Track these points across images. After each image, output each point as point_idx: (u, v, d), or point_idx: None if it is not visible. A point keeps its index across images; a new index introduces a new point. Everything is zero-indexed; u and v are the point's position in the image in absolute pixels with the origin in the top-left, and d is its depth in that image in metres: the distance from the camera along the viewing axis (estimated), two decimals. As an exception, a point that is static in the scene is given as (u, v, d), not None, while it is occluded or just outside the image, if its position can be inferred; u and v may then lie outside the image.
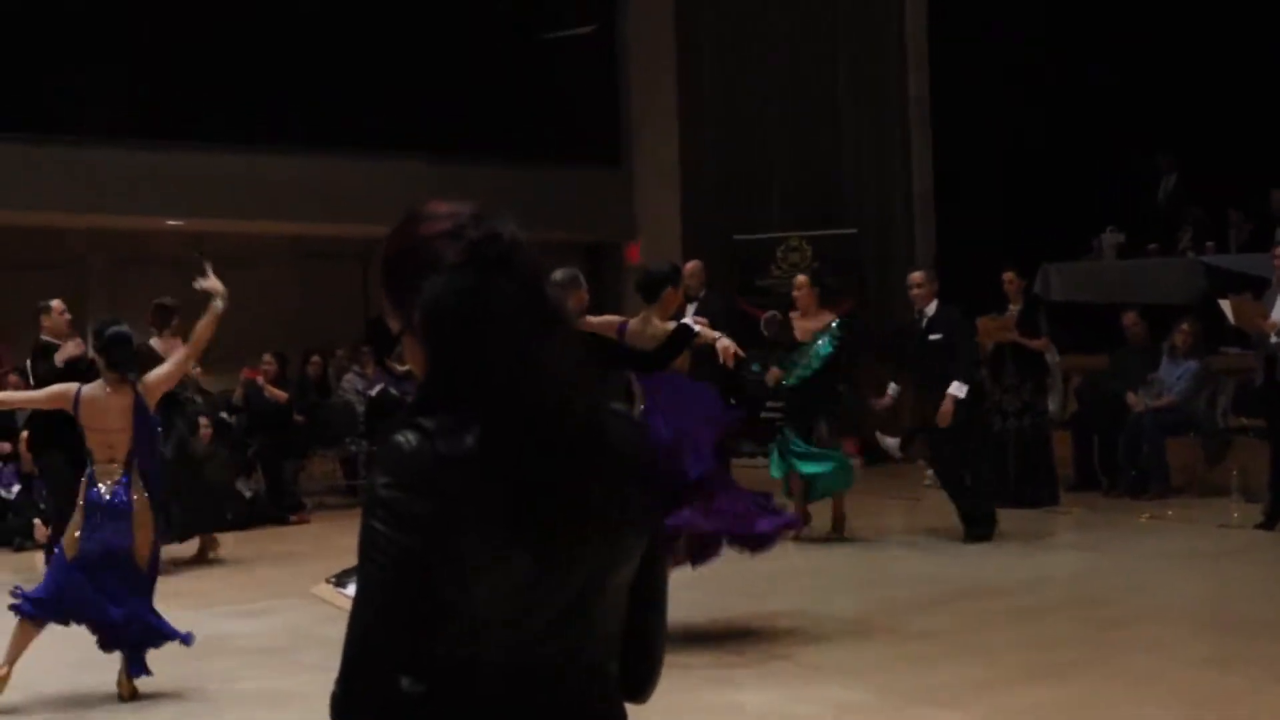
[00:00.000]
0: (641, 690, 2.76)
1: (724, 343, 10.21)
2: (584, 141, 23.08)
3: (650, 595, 2.70)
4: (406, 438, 2.48)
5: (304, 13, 20.94)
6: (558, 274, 10.42)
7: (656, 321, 10.28)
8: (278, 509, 17.51)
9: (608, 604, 2.60)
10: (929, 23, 21.82)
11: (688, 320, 10.40)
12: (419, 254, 2.60)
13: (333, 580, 3.11)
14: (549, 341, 2.54)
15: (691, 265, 17.35)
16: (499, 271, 2.53)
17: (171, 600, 12.34)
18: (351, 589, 3.01)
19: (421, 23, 21.56)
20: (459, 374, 2.51)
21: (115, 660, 9.36)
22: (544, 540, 2.47)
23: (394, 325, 2.70)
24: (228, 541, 16.20)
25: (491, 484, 2.45)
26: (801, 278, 15.69)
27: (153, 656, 9.34)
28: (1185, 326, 16.84)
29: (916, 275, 14.95)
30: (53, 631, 9.29)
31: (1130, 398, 16.83)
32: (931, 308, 14.44)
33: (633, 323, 10.36)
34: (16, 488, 16.31)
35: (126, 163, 19.92)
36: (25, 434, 16.43)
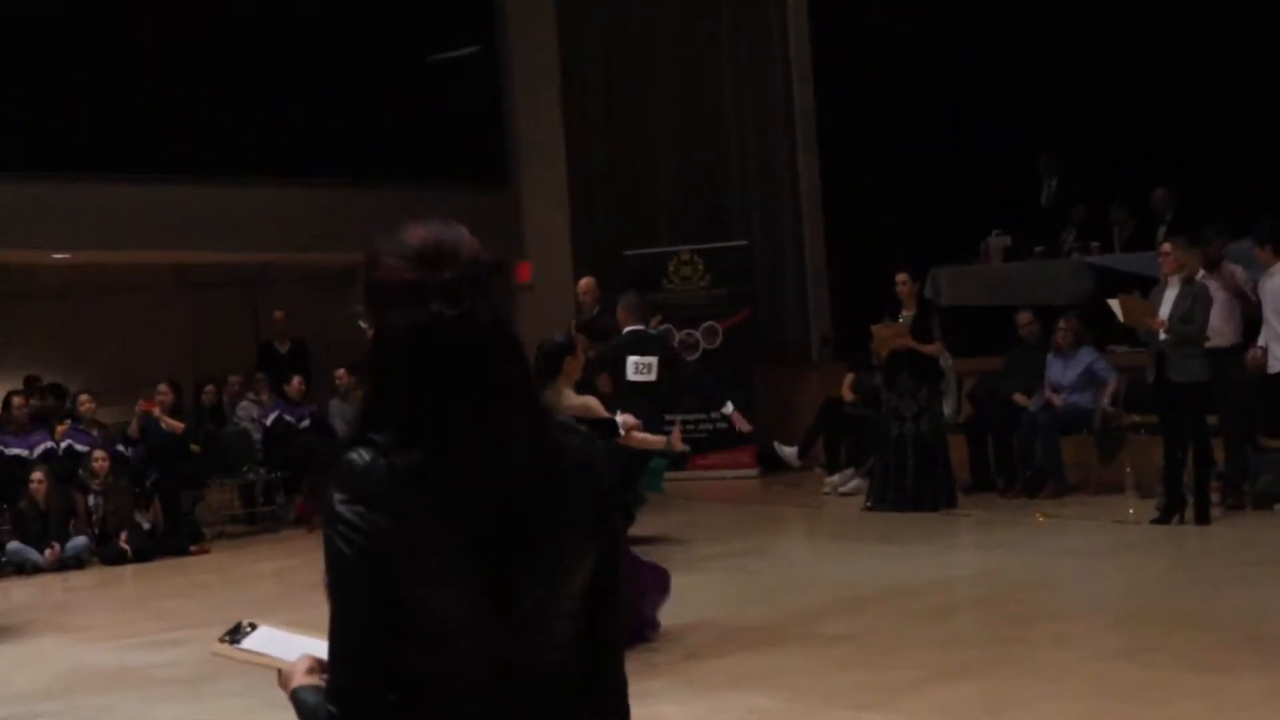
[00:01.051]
0: (614, 705, 2.81)
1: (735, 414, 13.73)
2: (471, 161, 23.06)
3: (605, 600, 2.74)
4: (360, 454, 2.54)
5: (187, 39, 20.78)
6: (630, 296, 11.07)
7: (569, 394, 10.24)
8: (177, 540, 17.36)
9: (565, 610, 2.66)
10: (812, 33, 21.98)
11: (616, 418, 10.53)
12: (377, 282, 2.66)
13: (226, 639, 3.11)
14: (495, 363, 2.61)
15: (585, 282, 17.44)
16: (447, 300, 2.59)
17: (80, 634, 12.30)
18: (245, 642, 3.03)
19: (308, 46, 21.46)
20: (409, 392, 2.58)
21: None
22: (496, 550, 2.54)
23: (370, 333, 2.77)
24: (127, 574, 16.11)
25: (444, 497, 2.51)
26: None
27: (70, 688, 9.24)
28: (1062, 324, 17.07)
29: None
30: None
31: (1019, 397, 17.01)
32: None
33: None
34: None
35: (11, 195, 19.68)
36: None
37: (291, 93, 21.30)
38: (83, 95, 20.10)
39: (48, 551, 16.39)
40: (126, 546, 16.69)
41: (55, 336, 22.53)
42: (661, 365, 13.67)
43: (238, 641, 3.03)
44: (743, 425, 14.33)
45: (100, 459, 17.00)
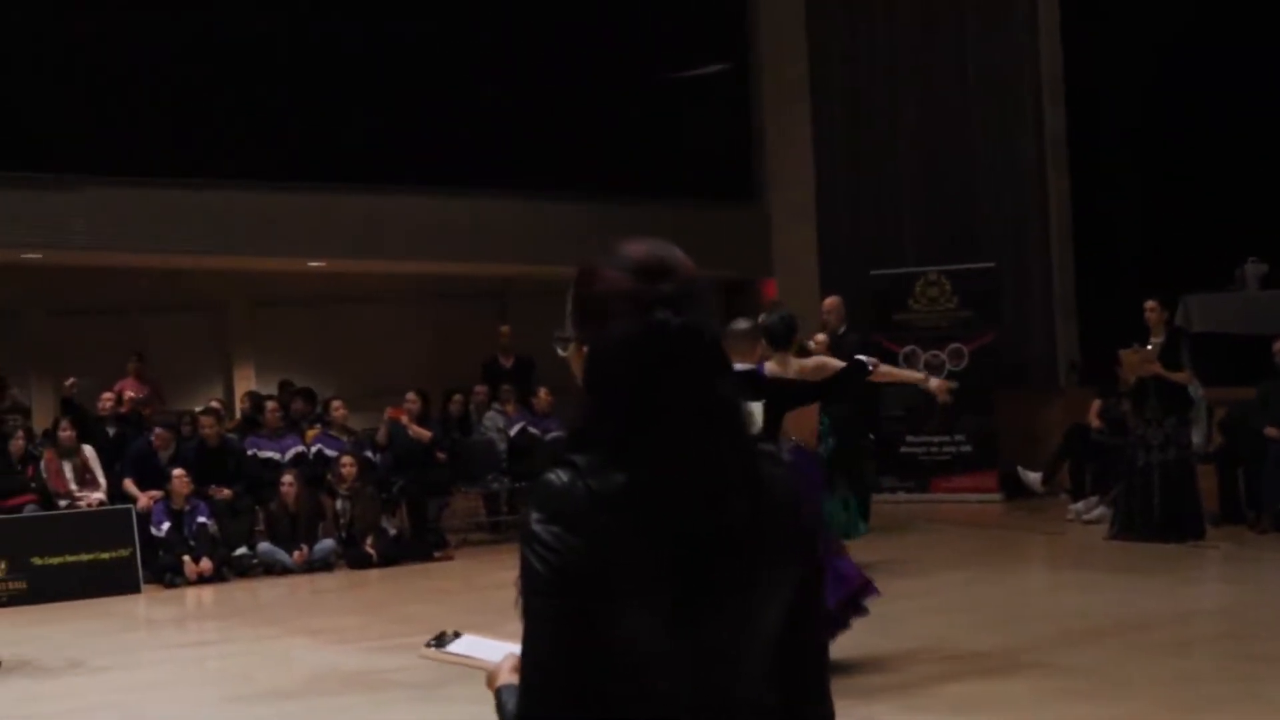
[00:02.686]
0: None
1: (937, 382, 11.24)
2: (720, 178, 23.17)
3: (805, 635, 2.72)
4: (558, 474, 2.55)
5: (436, 52, 21.18)
6: (740, 324, 10.38)
7: (795, 361, 10.27)
8: (422, 546, 17.69)
9: (760, 643, 2.63)
10: (1064, 51, 21.73)
11: (862, 357, 10.31)
12: (595, 294, 2.67)
13: (432, 644, 3.18)
14: (704, 386, 2.60)
15: (831, 301, 17.39)
16: (663, 319, 2.58)
17: (319, 636, 12.59)
18: (451, 647, 3.10)
19: (557, 63, 21.73)
20: (614, 415, 2.57)
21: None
22: (697, 578, 2.53)
23: (575, 366, 2.78)
24: (372, 578, 16.46)
25: (643, 521, 2.51)
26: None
27: (311, 689, 9.46)
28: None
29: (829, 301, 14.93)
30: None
31: (1270, 430, 16.58)
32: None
33: (769, 365, 10.26)
34: (166, 525, 16.60)
35: (264, 205, 20.21)
36: (179, 472, 16.77)
37: (541, 107, 21.58)
38: (339, 108, 20.62)
39: (296, 553, 16.81)
40: (372, 551, 17.05)
41: (308, 343, 23.07)
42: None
43: (443, 646, 3.10)
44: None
45: (349, 464, 17.38)
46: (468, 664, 3.01)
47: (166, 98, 19.56)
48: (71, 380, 18.51)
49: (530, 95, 21.55)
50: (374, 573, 16.78)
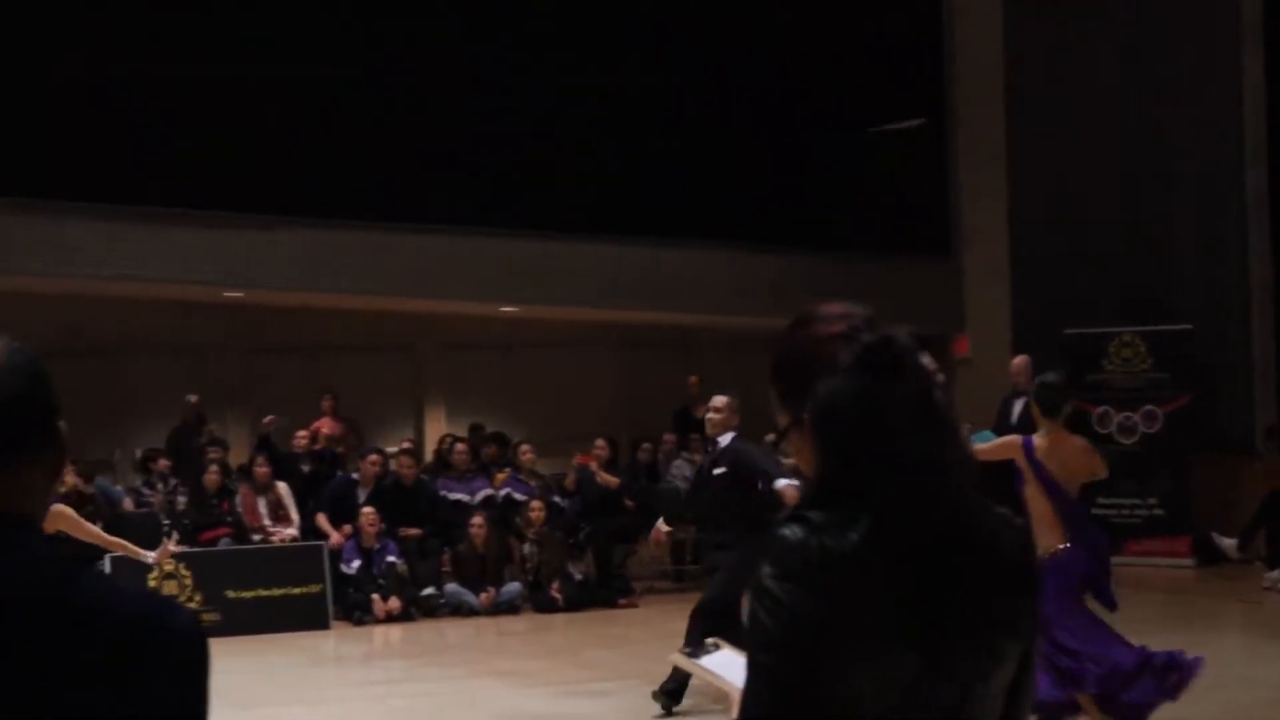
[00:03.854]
0: None
1: None
2: (914, 233, 23.05)
3: (1020, 703, 2.67)
4: (792, 530, 2.52)
5: (628, 103, 21.34)
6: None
7: (1069, 437, 9.42)
8: (606, 592, 17.75)
9: (987, 710, 2.59)
10: (1268, 117, 21.39)
11: None
12: (811, 354, 2.66)
13: (685, 651, 3.18)
14: (938, 445, 2.56)
15: (1019, 361, 17.22)
16: (891, 375, 2.56)
17: (504, 678, 12.67)
18: (705, 660, 3.11)
19: (750, 113, 21.79)
20: (848, 473, 2.54)
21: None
22: (929, 641, 2.49)
23: (782, 420, 2.77)
24: (557, 622, 16.53)
25: (876, 582, 2.48)
26: None
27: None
28: None
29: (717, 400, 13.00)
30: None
31: None
32: (725, 438, 12.48)
33: (1039, 440, 9.43)
34: (357, 563, 16.82)
35: (459, 248, 20.45)
36: (367, 511, 16.99)
37: (734, 158, 21.62)
38: (537, 155, 20.81)
39: (483, 595, 16.94)
40: (558, 595, 17.14)
41: (499, 387, 23.27)
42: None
43: (697, 657, 3.10)
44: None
45: (537, 509, 17.50)
46: (714, 682, 3.01)
47: (367, 141, 19.88)
48: (270, 418, 18.84)
49: (725, 147, 21.62)
50: (559, 617, 16.86)
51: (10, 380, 2.12)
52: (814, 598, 2.47)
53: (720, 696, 9.70)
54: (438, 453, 20.28)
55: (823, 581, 2.47)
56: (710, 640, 3.03)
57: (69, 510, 9.70)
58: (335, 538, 17.00)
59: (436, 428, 22.60)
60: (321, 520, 17.33)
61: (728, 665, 3.04)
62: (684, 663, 2.86)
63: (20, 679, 2.01)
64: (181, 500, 17.62)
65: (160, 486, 18.12)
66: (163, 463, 18.31)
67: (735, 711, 2.67)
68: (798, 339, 2.73)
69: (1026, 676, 2.67)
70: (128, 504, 17.84)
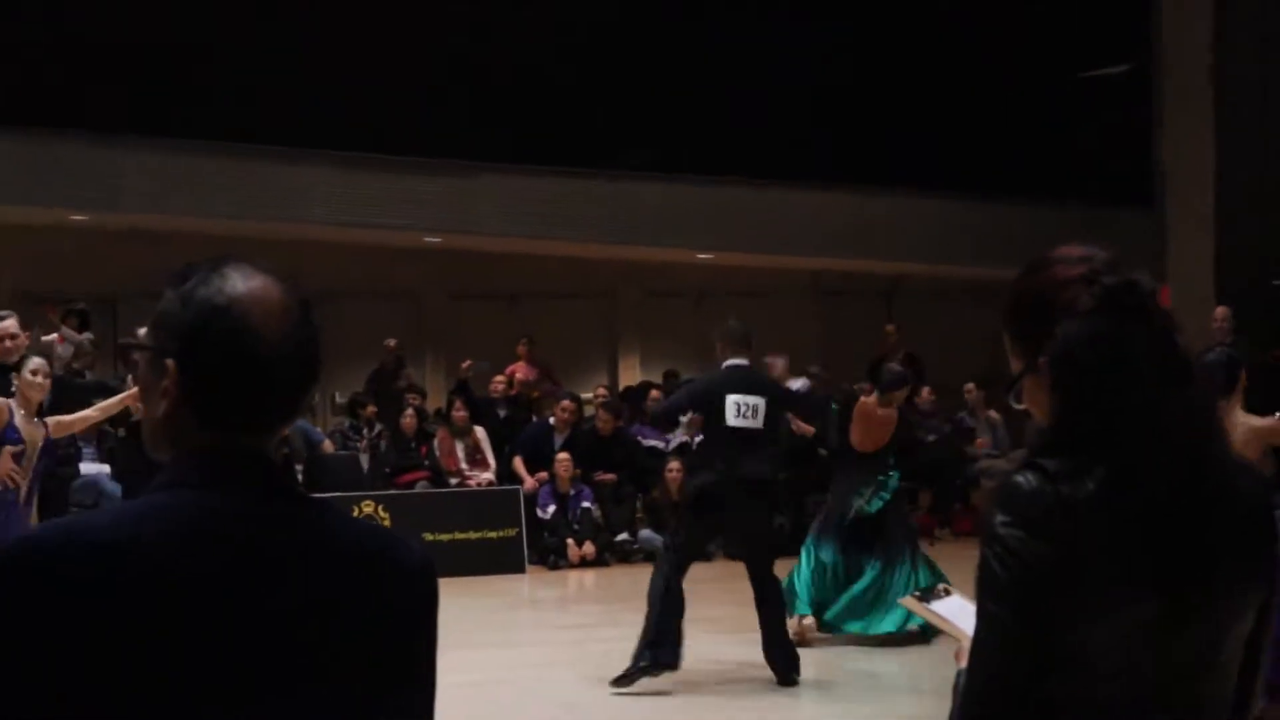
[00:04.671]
0: None
1: None
2: (1115, 181, 22.66)
3: (1253, 658, 2.61)
4: (1027, 478, 2.48)
5: (834, 52, 21.20)
6: (732, 324, 9.99)
7: (1242, 414, 8.48)
8: (801, 540, 17.66)
9: (1227, 661, 2.54)
10: None
11: None
12: (1051, 298, 2.60)
13: (916, 594, 3.14)
14: (1181, 391, 2.52)
15: (1220, 311, 16.82)
16: (1134, 319, 2.52)
17: (696, 625, 12.67)
18: (935, 605, 3.05)
19: (956, 61, 21.55)
20: (1088, 419, 2.50)
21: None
22: (1169, 589, 2.44)
23: (1015, 366, 2.72)
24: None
25: (1115, 529, 2.43)
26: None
27: (694, 679, 9.49)
28: None
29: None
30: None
31: None
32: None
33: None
34: (552, 508, 16.94)
35: (657, 196, 20.47)
36: (562, 456, 17.10)
37: (939, 105, 21.41)
38: (738, 103, 20.76)
39: (677, 541, 16.96)
40: (751, 543, 17.11)
41: (694, 335, 23.27)
42: (771, 410, 10.97)
43: (927, 601, 3.07)
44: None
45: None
46: (944, 627, 2.97)
47: (569, 90, 19.97)
48: (469, 362, 19.03)
49: (930, 94, 21.41)
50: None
51: (295, 338, 2.17)
52: (1047, 546, 2.44)
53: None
54: (624, 397, 20.32)
55: (1057, 530, 2.44)
56: (941, 585, 2.98)
57: (64, 417, 9.85)
58: (530, 482, 17.14)
59: (631, 375, 22.69)
60: (518, 464, 17.48)
61: (959, 612, 2.99)
62: (915, 606, 2.83)
63: (277, 614, 2.04)
64: (382, 444, 17.87)
65: (365, 432, 18.38)
66: (370, 409, 18.56)
67: (963, 661, 2.64)
68: (1035, 282, 2.67)
69: (1265, 628, 2.61)
70: (327, 446, 18.12)
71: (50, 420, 9.61)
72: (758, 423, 10.67)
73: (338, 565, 2.12)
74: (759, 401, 10.74)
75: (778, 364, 16.87)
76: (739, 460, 10.38)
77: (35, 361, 9.76)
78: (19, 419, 9.42)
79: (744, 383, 10.82)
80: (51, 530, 2.05)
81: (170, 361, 2.16)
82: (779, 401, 11.54)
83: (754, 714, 9.65)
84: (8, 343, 9.98)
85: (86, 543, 2.00)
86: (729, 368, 10.90)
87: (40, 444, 9.52)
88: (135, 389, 10.38)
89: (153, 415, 2.20)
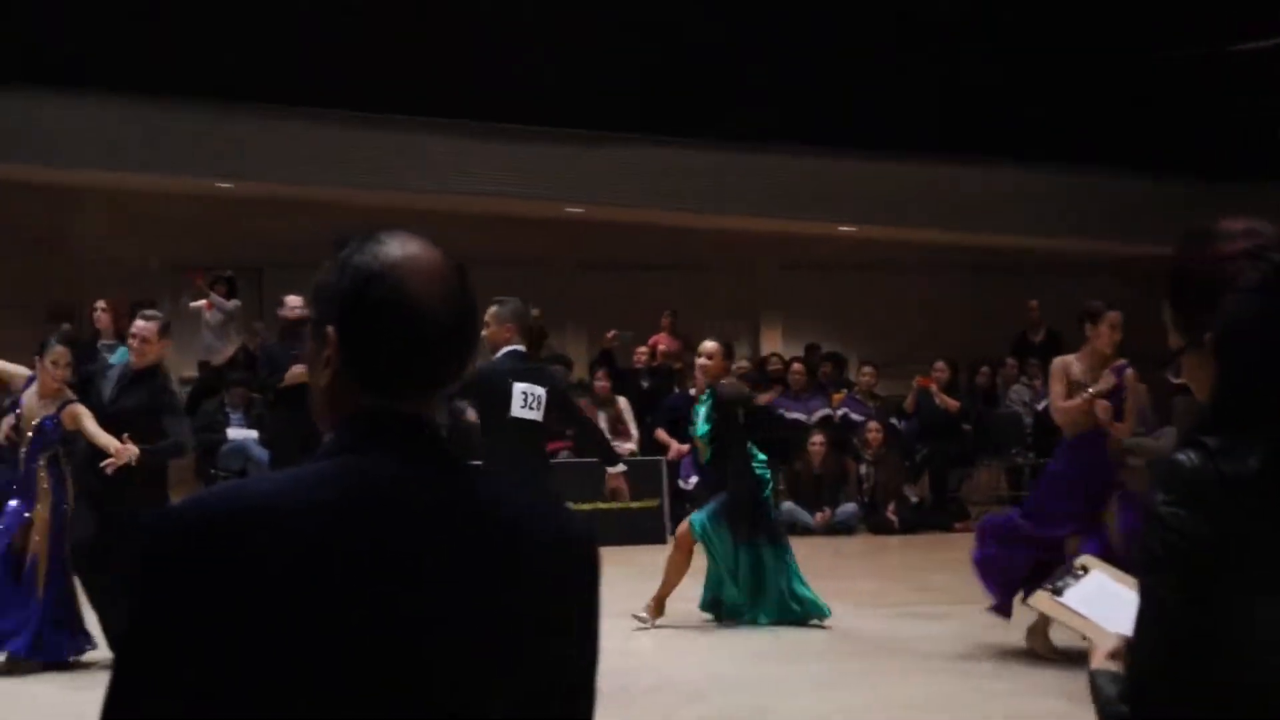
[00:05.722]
0: None
1: None
2: (1261, 157, 22.25)
3: None
4: (1188, 456, 2.42)
5: (980, 21, 21.00)
6: (511, 304, 9.63)
7: None
8: (942, 516, 17.60)
9: None
10: None
11: None
12: (1214, 273, 2.55)
13: (1049, 587, 3.04)
14: None
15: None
16: None
17: (840, 598, 12.62)
18: (1068, 594, 2.96)
19: (1102, 32, 21.27)
20: (1251, 396, 2.44)
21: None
22: None
23: (1174, 341, 2.67)
24: (892, 544, 16.46)
25: (1274, 508, 2.37)
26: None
27: (834, 651, 9.45)
28: None
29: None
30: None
31: None
32: None
33: None
34: (694, 479, 16.93)
35: (799, 168, 20.39)
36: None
37: (1083, 78, 21.16)
38: (881, 74, 20.62)
39: (819, 515, 16.95)
40: (894, 517, 17.07)
41: (836, 307, 23.19)
42: (551, 402, 10.00)
43: (1060, 592, 2.97)
44: (620, 495, 11.59)
45: (874, 430, 17.43)
46: (1074, 625, 2.89)
47: (713, 62, 19.95)
48: (613, 333, 19.06)
49: (1072, 67, 21.16)
50: (894, 539, 16.81)
51: (452, 303, 2.17)
52: (1209, 525, 2.38)
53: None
54: (760, 367, 20.24)
55: (1219, 508, 2.38)
56: (1079, 563, 2.84)
57: (83, 409, 9.96)
58: (675, 448, 17.16)
59: (773, 347, 22.63)
60: (661, 433, 17.48)
61: (1096, 594, 2.89)
62: (1043, 603, 2.65)
63: (437, 583, 2.04)
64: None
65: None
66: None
67: (1096, 661, 2.60)
68: (1197, 257, 2.62)
69: None
70: (470, 415, 18.16)
71: (69, 409, 9.88)
72: (538, 415, 9.88)
73: (502, 533, 2.11)
74: (542, 393, 9.91)
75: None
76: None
77: (57, 351, 10.10)
78: (28, 394, 9.98)
79: (527, 373, 10.02)
80: (218, 495, 2.06)
81: (330, 329, 2.17)
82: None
83: (900, 684, 9.58)
84: (135, 342, 10.17)
85: (252, 508, 2.01)
86: (509, 354, 9.98)
87: (37, 421, 9.96)
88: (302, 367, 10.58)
89: (316, 384, 2.21)
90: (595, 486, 16.26)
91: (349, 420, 2.15)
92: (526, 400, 9.79)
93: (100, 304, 15.97)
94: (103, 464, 9.73)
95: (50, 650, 9.94)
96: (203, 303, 18.00)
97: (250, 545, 1.98)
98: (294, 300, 14.33)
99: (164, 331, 10.24)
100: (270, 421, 15.33)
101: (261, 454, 16.01)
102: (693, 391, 17.59)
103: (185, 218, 20.40)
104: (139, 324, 10.24)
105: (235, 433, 16.81)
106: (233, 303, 18.16)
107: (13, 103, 17.80)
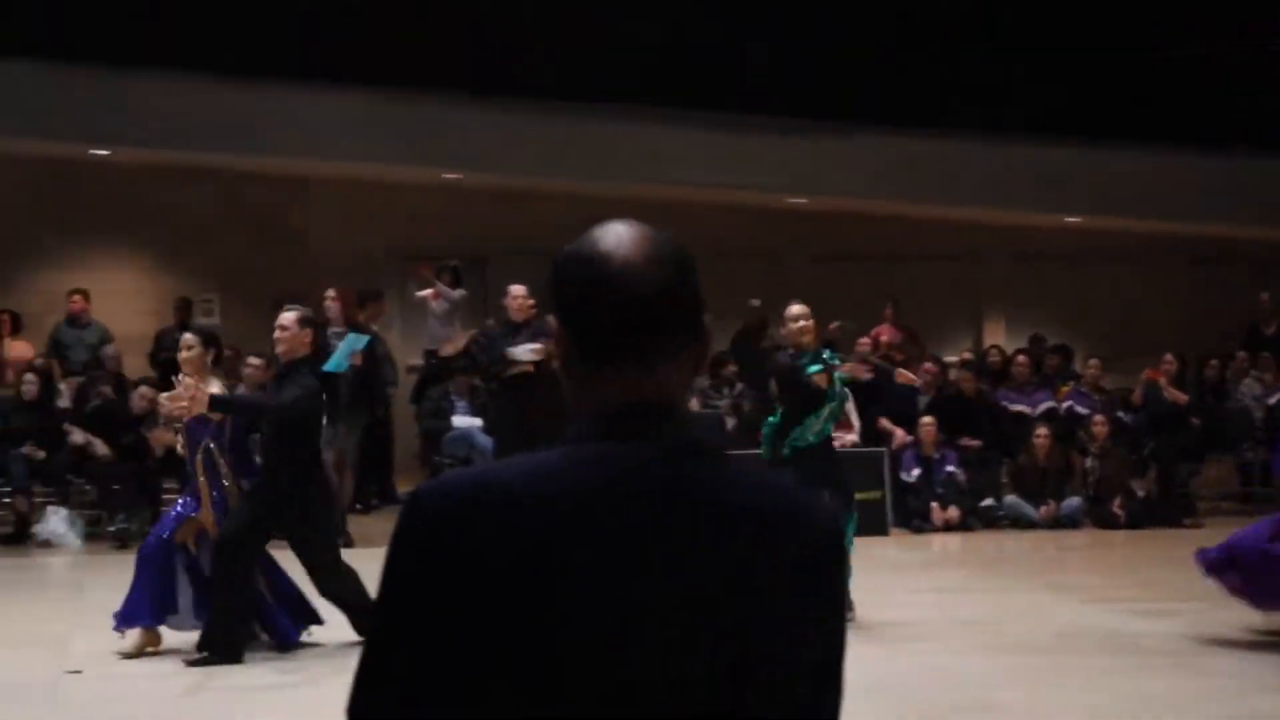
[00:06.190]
0: None
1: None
2: None
3: None
4: None
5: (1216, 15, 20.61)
6: None
7: None
8: (1170, 511, 17.28)
9: None
10: None
11: None
12: None
13: None
14: None
15: None
16: None
17: (1065, 593, 12.47)
18: None
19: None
20: None
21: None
22: None
23: None
24: (1118, 539, 16.21)
25: None
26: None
27: (1059, 646, 9.34)
28: None
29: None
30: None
31: None
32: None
33: None
34: (917, 471, 16.83)
35: (1028, 158, 20.16)
36: (927, 420, 16.97)
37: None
38: (1113, 65, 20.31)
39: (1043, 508, 16.75)
40: (1120, 512, 16.80)
41: (1062, 299, 22.88)
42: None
43: None
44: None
45: (1100, 423, 17.17)
46: None
47: (941, 47, 19.81)
48: (836, 324, 19.00)
49: None
50: (1120, 534, 16.54)
51: (661, 271, 2.14)
52: None
53: None
54: (982, 359, 20.02)
55: None
56: None
57: (200, 388, 9.85)
58: (900, 435, 17.11)
59: (995, 339, 22.40)
60: (885, 421, 17.42)
61: None
62: None
63: (663, 571, 2.03)
64: (746, 404, 17.93)
65: (727, 391, 18.50)
66: (730, 368, 18.64)
67: None
68: None
69: None
70: (693, 404, 18.27)
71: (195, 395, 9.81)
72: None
73: (749, 520, 2.10)
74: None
75: None
76: None
77: (185, 337, 10.26)
78: (182, 385, 9.82)
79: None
80: (462, 479, 2.09)
81: (553, 319, 2.19)
82: None
83: (1130, 681, 9.42)
84: (277, 333, 10.07)
85: (496, 493, 2.04)
86: None
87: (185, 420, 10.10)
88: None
89: (562, 375, 2.23)
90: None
91: (592, 408, 2.15)
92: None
93: (330, 293, 16.24)
94: (165, 397, 9.93)
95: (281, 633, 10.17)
96: (429, 292, 18.24)
97: (493, 530, 2.00)
98: (518, 290, 14.48)
99: (303, 322, 10.00)
100: (493, 410, 15.51)
101: (486, 442, 16.21)
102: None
103: (412, 207, 20.72)
104: (281, 314, 10.10)
105: (460, 420, 17.03)
106: (458, 292, 18.38)
107: (245, 95, 18.20)
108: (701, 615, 2.04)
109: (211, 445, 10.11)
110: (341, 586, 9.95)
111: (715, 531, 2.07)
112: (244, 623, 9.89)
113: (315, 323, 10.28)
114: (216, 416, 10.04)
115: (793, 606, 2.11)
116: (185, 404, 9.72)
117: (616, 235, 2.17)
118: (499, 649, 1.98)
